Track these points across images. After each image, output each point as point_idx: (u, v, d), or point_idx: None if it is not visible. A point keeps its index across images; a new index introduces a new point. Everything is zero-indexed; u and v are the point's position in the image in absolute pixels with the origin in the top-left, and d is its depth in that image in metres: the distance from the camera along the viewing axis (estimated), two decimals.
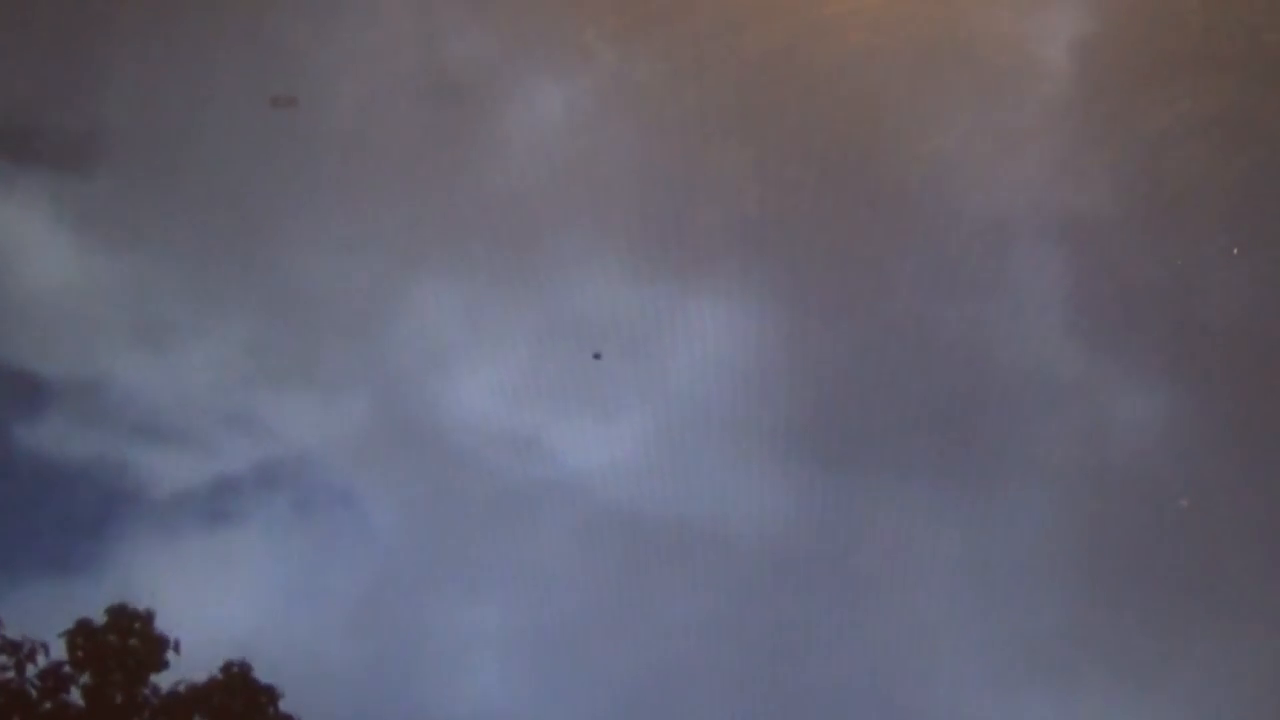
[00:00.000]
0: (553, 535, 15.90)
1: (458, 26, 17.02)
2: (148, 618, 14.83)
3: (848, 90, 15.95)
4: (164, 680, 14.66)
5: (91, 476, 16.31)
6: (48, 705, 14.48)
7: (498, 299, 16.35)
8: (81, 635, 14.60)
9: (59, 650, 14.52)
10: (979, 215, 16.40)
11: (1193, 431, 16.09)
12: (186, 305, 16.66)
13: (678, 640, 15.31)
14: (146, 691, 14.64)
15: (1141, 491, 16.11)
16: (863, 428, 16.10)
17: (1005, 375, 15.66)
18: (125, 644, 14.75)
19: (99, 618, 14.68)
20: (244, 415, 16.59)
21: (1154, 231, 16.15)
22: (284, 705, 14.74)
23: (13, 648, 14.52)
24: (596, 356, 15.95)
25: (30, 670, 14.44)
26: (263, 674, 14.69)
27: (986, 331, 15.90)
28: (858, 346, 16.24)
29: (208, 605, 15.28)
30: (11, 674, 14.50)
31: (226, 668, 14.72)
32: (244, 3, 17.42)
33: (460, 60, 16.98)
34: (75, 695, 14.57)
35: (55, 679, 14.54)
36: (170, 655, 14.73)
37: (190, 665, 14.71)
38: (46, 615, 14.73)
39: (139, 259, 17.11)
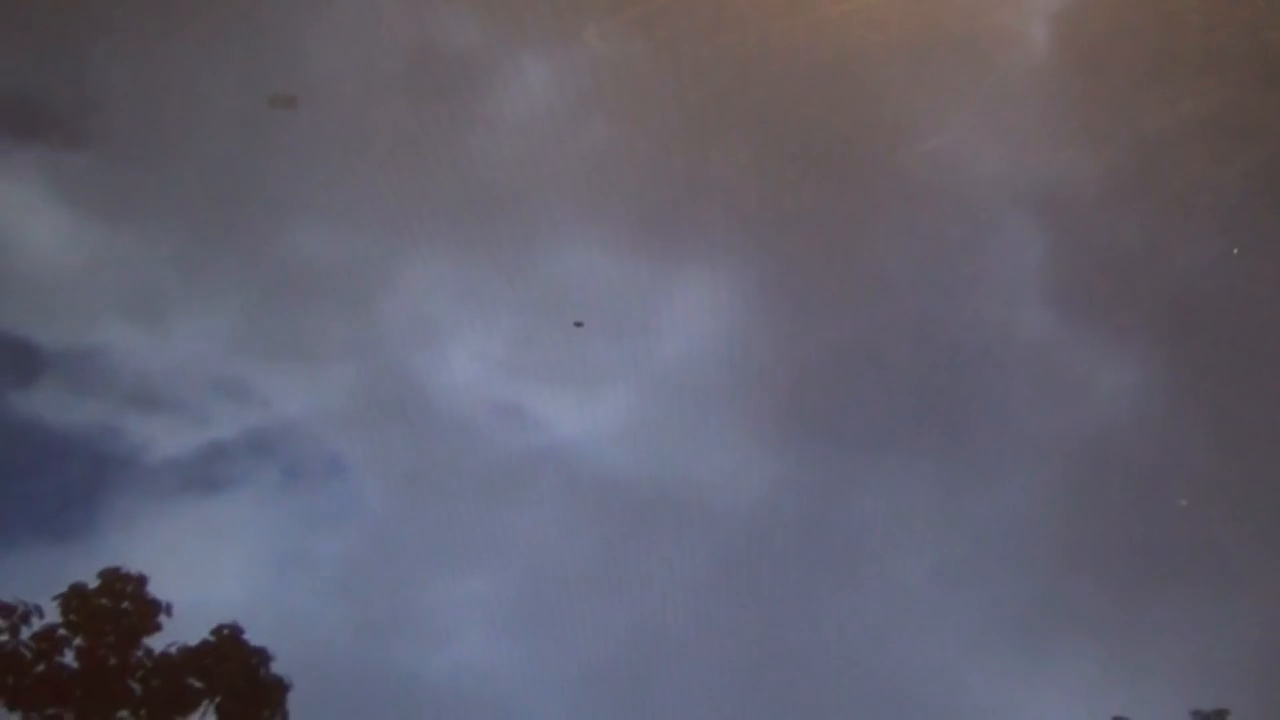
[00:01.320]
0: (539, 502, 16.13)
1: (455, 18, 17.14)
2: (140, 582, 14.99)
3: (836, 75, 16.09)
4: (156, 643, 14.91)
5: (85, 444, 16.50)
6: (42, 667, 14.72)
7: (486, 273, 16.55)
8: (75, 599, 14.77)
9: (53, 614, 14.79)
10: (974, 208, 16.63)
11: (1174, 413, 16.34)
12: (180, 278, 16.87)
13: (662, 604, 15.52)
14: (139, 654, 14.85)
15: (1120, 469, 16.36)
16: (846, 401, 16.35)
17: (990, 353, 15.92)
18: (118, 607, 14.91)
19: (92, 582, 15.09)
20: (236, 385, 16.80)
21: (1154, 229, 16.41)
22: (275, 667, 15.08)
23: (7, 611, 14.70)
24: (578, 325, 16.09)
25: (25, 633, 14.73)
26: (254, 637, 15.00)
27: (974, 316, 16.15)
28: (843, 323, 16.49)
29: (200, 570, 15.46)
30: (6, 637, 14.68)
31: (218, 630, 14.97)
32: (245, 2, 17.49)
33: (456, 49, 17.12)
34: (69, 657, 14.92)
35: (49, 641, 14.71)
36: (163, 618, 15.01)
37: (182, 628, 14.96)
38: (41, 580, 14.92)
39: (135, 235, 17.30)
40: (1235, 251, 15.32)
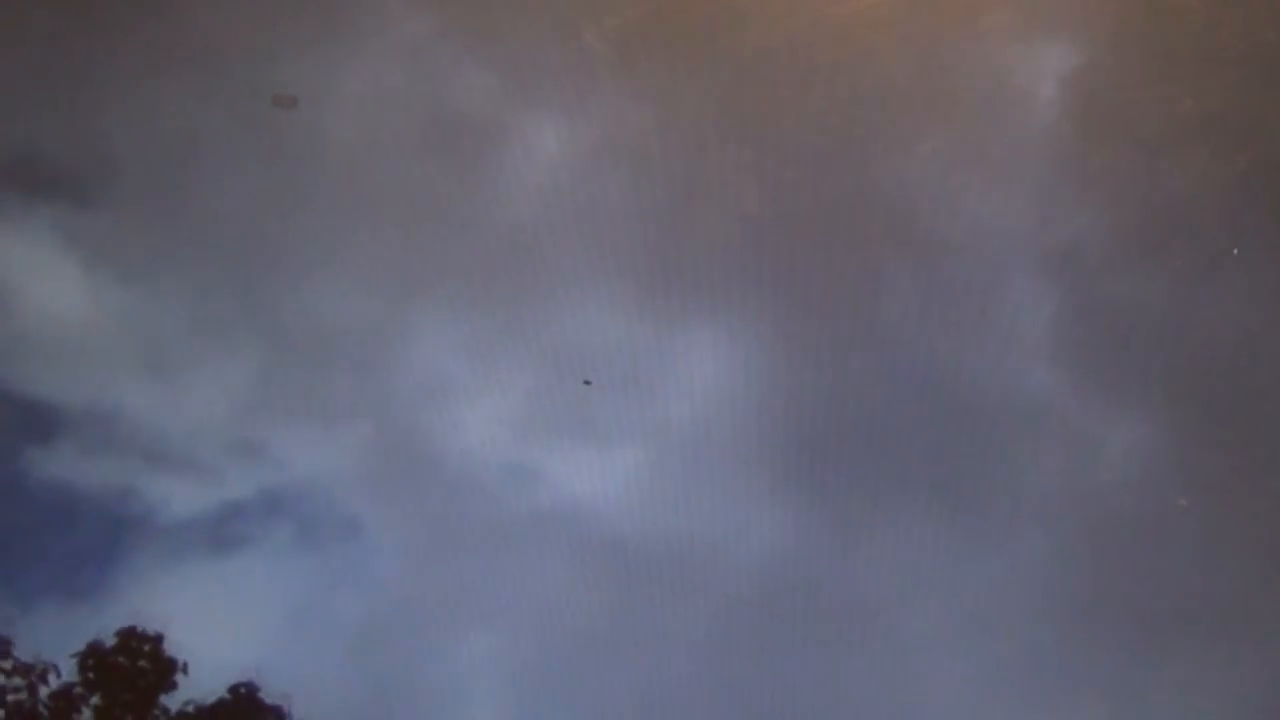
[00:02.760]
0: (552, 562, 16.27)
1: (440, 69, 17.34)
2: (157, 640, 15.15)
3: (847, 103, 16.20)
4: (173, 701, 15.10)
5: (101, 503, 16.62)
6: None
7: (496, 331, 16.76)
8: (92, 657, 14.88)
9: (70, 672, 14.87)
10: (977, 220, 16.72)
11: (1178, 468, 16.44)
12: (192, 336, 17.07)
13: (674, 664, 15.68)
14: (156, 712, 14.97)
15: (1128, 524, 16.47)
16: (856, 460, 16.51)
17: (1000, 402, 16.11)
18: (135, 666, 15.05)
19: (109, 640, 15.19)
20: (250, 444, 17.00)
21: (1154, 230, 16.43)
22: None
23: (25, 669, 14.90)
24: (587, 383, 16.30)
25: (42, 692, 14.87)
26: (269, 695, 15.11)
27: (981, 354, 16.31)
28: (854, 383, 16.65)
29: (215, 629, 15.58)
30: (24, 695, 14.84)
31: (234, 689, 15.14)
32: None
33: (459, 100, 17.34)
34: (87, 716, 15.02)
35: (67, 700, 14.85)
36: (179, 676, 15.13)
37: (198, 687, 15.07)
38: (57, 638, 15.01)
39: (143, 292, 17.49)
40: (1235, 252, 15.24)
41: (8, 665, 14.48)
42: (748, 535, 16.31)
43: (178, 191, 17.26)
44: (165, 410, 17.06)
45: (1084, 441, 16.30)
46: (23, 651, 14.49)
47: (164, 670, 14.77)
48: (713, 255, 16.74)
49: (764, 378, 17.22)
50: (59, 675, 14.56)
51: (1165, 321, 16.02)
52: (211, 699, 14.82)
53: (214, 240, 16.80)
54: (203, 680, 14.74)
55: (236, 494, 17.27)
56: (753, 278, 16.91)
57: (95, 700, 14.64)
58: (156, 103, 17.04)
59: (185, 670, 14.83)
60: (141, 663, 14.76)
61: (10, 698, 14.46)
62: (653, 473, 16.89)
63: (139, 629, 14.84)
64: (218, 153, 16.79)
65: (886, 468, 16.65)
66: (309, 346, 17.25)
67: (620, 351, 16.27)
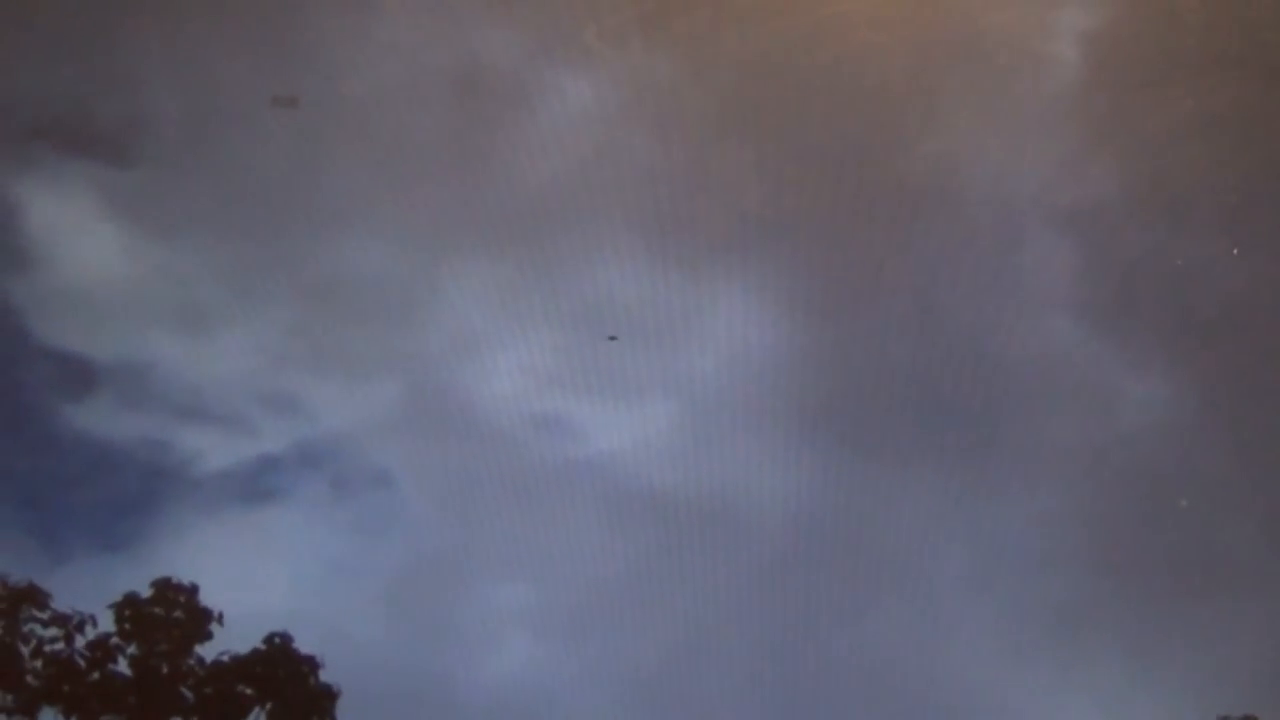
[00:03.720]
0: (580, 514, 16.39)
1: (467, 26, 17.36)
2: (192, 591, 15.25)
3: (855, 84, 16.27)
4: (208, 651, 15.15)
5: (136, 457, 16.83)
6: (96, 675, 15.02)
7: (524, 285, 16.85)
8: (128, 608, 15.02)
9: (107, 623, 14.99)
10: (984, 209, 16.80)
11: (1194, 420, 16.47)
12: (225, 291, 17.22)
13: (701, 615, 15.83)
14: (191, 662, 15.12)
15: (1146, 474, 16.54)
16: (879, 413, 16.56)
17: (1014, 363, 16.13)
18: (170, 616, 15.18)
19: (145, 591, 15.28)
20: (283, 397, 17.16)
21: (1156, 229, 16.56)
22: (324, 675, 15.33)
23: (62, 620, 15.03)
24: (612, 339, 16.33)
25: (79, 641, 15.06)
26: (303, 645, 15.27)
27: (994, 321, 16.33)
28: (877, 336, 16.69)
29: (250, 580, 15.80)
30: (61, 645, 15.06)
31: (269, 639, 15.22)
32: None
33: (472, 59, 17.33)
34: (123, 665, 15.17)
35: (103, 650, 14.98)
36: (214, 627, 15.22)
37: (233, 637, 15.24)
38: (95, 590, 15.15)
39: (179, 248, 17.66)
40: (1235, 252, 15.20)
41: (45, 615, 14.68)
42: (777, 486, 16.43)
43: (210, 149, 17.39)
44: (199, 364, 17.25)
45: (1104, 393, 16.40)
46: (60, 603, 14.69)
47: (199, 621, 14.89)
48: (739, 210, 16.79)
49: (791, 332, 17.31)
50: (95, 625, 14.73)
51: (1185, 276, 16.08)
52: (247, 649, 15.11)
53: (246, 196, 16.94)
54: (238, 631, 14.97)
55: (270, 447, 17.48)
56: (778, 233, 16.96)
57: (132, 650, 14.84)
58: (191, 61, 17.19)
59: (220, 621, 14.95)
60: (177, 613, 14.88)
61: (48, 648, 14.70)
62: (680, 425, 17.00)
63: (174, 580, 15.05)
64: (250, 108, 16.90)
65: (914, 419, 16.73)
66: (340, 300, 17.39)
67: (646, 304, 16.36)
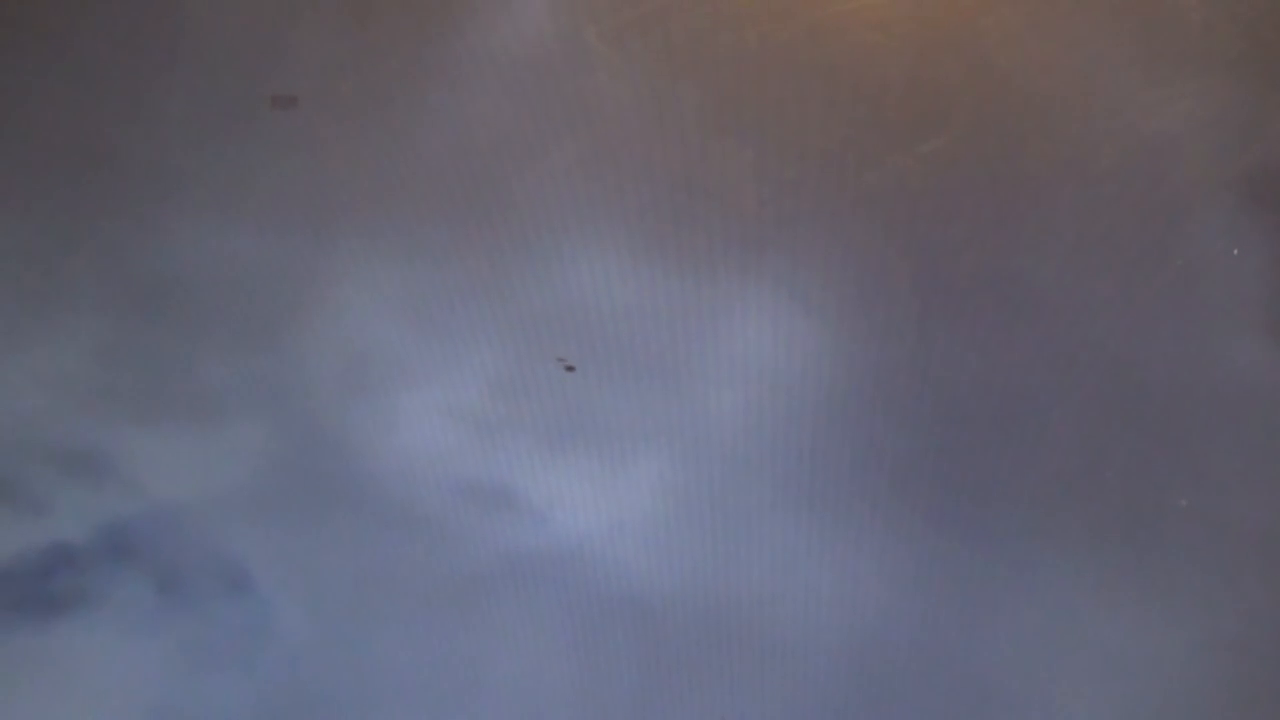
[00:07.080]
0: (530, 634, 11.04)
1: (450, 23, 13.38)
2: None
3: (854, 86, 13.48)
4: None
5: None
6: None
7: (461, 297, 11.79)
8: None
9: None
10: (981, 212, 13.42)
11: None
12: (17, 304, 12.02)
13: None
14: None
15: None
16: (980, 472, 11.43)
17: (1191, 386, 11.20)
18: None
19: None
20: (83, 457, 11.77)
21: (1155, 230, 14.04)
22: None
23: None
24: (569, 369, 11.22)
25: None
26: None
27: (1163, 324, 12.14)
28: (968, 357, 11.86)
29: None
30: None
31: None
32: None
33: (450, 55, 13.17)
34: None
35: None
36: None
37: None
38: None
39: None
40: (1235, 252, 13.46)
41: None
42: (827, 585, 11.15)
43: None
44: None
45: None
46: None
47: None
48: (755, 190, 12.11)
49: (828, 353, 12.16)
50: None
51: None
52: None
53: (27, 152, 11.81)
54: None
55: (67, 532, 12.19)
56: (810, 218, 12.17)
57: None
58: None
59: None
60: None
61: None
62: (679, 490, 11.86)
63: None
64: (249, 108, 12.18)
65: (1029, 482, 11.49)
66: (170, 311, 12.03)
67: (632, 317, 11.40)
